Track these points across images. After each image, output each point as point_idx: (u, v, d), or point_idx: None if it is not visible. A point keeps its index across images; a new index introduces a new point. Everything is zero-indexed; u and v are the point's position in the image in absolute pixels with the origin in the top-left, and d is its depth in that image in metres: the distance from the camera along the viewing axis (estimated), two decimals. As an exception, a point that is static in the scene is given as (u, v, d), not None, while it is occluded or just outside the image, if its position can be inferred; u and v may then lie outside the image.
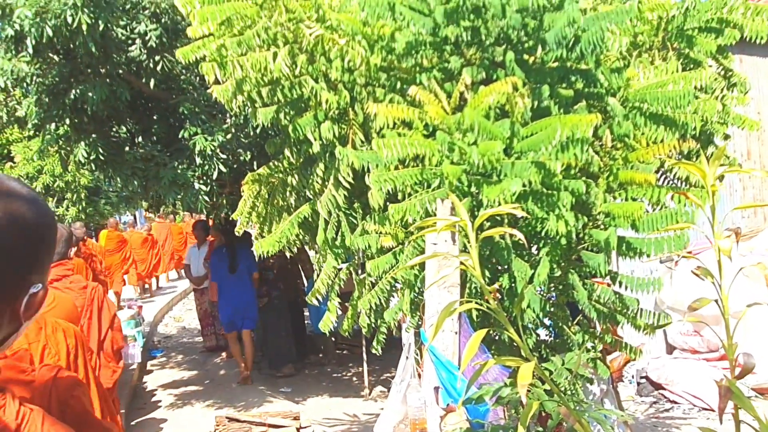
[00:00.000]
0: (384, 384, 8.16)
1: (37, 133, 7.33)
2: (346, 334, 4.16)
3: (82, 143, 5.80)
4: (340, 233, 3.82)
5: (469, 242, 2.11)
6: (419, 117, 3.34)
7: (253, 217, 4.24)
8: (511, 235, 3.32)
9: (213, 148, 5.68)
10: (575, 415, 2.29)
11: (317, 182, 3.86)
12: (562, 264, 3.49)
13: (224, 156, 5.82)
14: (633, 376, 7.17)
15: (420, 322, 3.64)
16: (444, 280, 3.13)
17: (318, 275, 4.05)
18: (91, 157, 5.79)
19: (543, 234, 3.33)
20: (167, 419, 7.36)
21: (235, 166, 6.07)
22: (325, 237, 3.73)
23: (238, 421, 4.95)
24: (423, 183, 3.39)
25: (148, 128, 6.45)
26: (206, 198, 5.96)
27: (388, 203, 3.51)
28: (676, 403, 6.72)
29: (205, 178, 5.97)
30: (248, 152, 6.10)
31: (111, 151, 6.03)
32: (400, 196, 3.49)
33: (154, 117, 6.68)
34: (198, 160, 5.82)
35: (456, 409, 3.02)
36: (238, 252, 8.20)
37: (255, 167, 6.37)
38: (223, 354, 9.57)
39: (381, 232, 3.61)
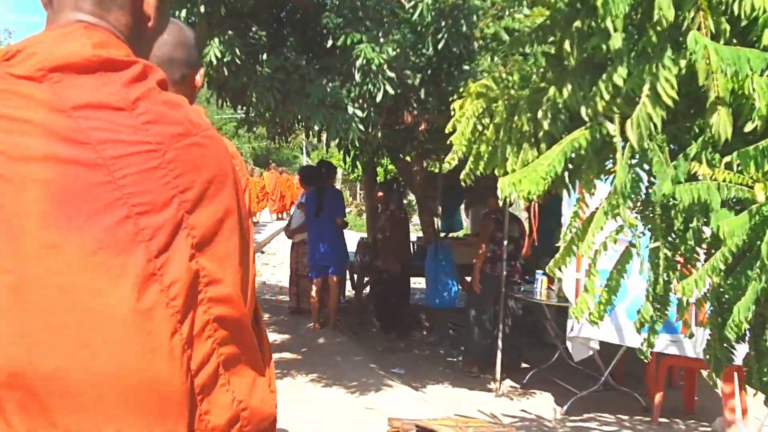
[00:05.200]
0: (513, 378, 6.83)
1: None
2: (596, 325, 2.86)
3: (216, 39, 4.57)
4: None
5: None
6: None
7: (481, 146, 2.96)
8: None
9: (381, 62, 4.38)
10: None
11: (605, 96, 2.53)
12: None
13: (391, 74, 4.51)
14: None
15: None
16: None
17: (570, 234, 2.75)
18: (226, 59, 4.56)
19: None
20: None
21: (399, 90, 4.76)
22: (625, 178, 2.41)
23: (428, 430, 3.57)
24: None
25: (286, 36, 5.18)
26: (360, 127, 4.67)
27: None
28: None
29: (361, 101, 4.69)
30: (417, 75, 4.80)
31: (248, 55, 4.78)
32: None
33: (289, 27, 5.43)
34: (357, 77, 4.53)
35: None
36: (325, 195, 7.86)
37: (422, 96, 5.09)
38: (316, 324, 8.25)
39: (727, 180, 2.29)
